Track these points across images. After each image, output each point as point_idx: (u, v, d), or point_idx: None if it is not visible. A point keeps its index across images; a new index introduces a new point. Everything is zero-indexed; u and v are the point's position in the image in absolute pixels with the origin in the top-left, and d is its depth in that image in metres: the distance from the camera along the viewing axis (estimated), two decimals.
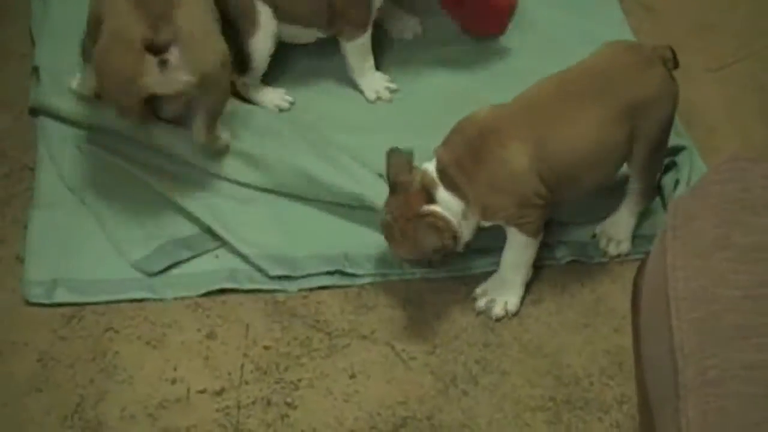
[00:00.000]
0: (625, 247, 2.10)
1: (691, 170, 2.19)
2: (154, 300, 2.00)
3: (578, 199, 2.07)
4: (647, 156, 2.02)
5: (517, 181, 1.90)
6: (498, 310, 2.00)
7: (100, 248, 2.06)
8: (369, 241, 2.09)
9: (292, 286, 2.03)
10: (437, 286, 2.06)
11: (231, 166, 2.18)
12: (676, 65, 2.02)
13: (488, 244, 2.04)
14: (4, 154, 2.20)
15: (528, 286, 2.05)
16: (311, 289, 2.03)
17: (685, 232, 1.46)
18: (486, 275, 2.04)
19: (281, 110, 2.32)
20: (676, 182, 2.17)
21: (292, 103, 2.34)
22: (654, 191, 2.13)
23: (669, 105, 2.01)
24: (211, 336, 1.95)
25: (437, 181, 1.91)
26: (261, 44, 2.25)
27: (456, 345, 1.96)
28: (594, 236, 2.12)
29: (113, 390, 1.86)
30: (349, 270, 2.05)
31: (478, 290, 2.03)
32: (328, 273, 2.04)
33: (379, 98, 2.37)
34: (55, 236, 2.06)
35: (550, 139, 1.92)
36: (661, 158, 2.10)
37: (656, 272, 1.45)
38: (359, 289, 2.04)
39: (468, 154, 1.90)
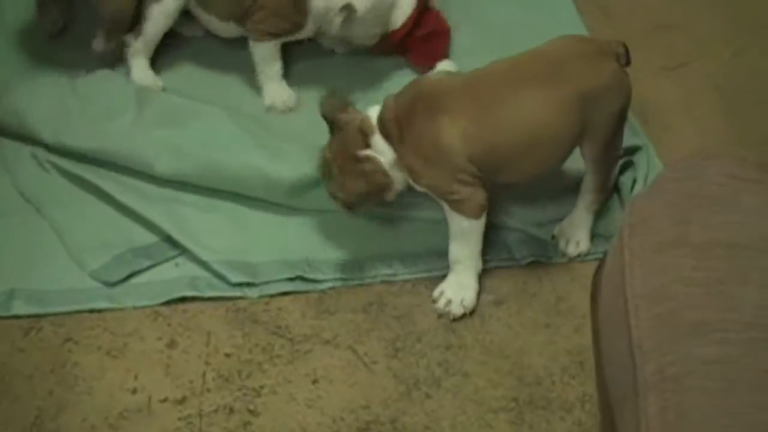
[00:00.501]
0: (584, 246, 2.11)
1: (649, 169, 2.20)
2: (114, 309, 1.99)
3: (524, 182, 2.09)
4: (600, 150, 2.02)
5: (441, 152, 1.91)
6: (456, 309, 2.00)
7: (58, 258, 2.05)
8: (330, 246, 2.10)
9: (253, 293, 2.02)
10: (398, 290, 2.06)
11: (181, 168, 2.15)
12: (627, 62, 2.02)
13: (443, 242, 2.05)
14: None
15: (488, 287, 2.06)
16: (272, 295, 2.03)
17: (643, 230, 1.47)
18: (441, 280, 2.05)
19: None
20: (634, 181, 2.19)
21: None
22: (609, 189, 2.14)
23: (620, 99, 2.00)
24: (171, 345, 1.94)
25: (374, 127, 1.93)
26: (160, 14, 2.28)
27: (418, 348, 1.96)
28: (554, 238, 2.13)
29: (73, 401, 1.84)
30: (311, 275, 2.05)
31: (436, 293, 2.03)
32: (290, 279, 2.04)
33: (272, 107, 2.35)
34: (11, 247, 2.06)
35: (492, 118, 1.93)
36: (616, 155, 2.10)
37: (614, 271, 1.46)
38: (320, 294, 2.04)
39: (407, 112, 1.92)
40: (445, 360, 1.95)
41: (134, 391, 1.87)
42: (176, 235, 2.07)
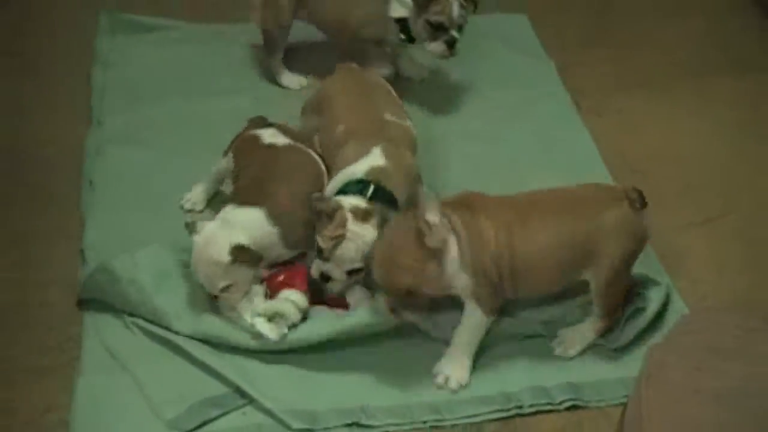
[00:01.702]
0: (571, 352, 2.22)
1: (666, 309, 2.27)
2: None
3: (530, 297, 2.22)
4: (603, 285, 2.13)
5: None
6: (454, 384, 2.12)
7: (139, 410, 2.08)
8: (383, 394, 2.13)
9: None
10: None
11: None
12: (642, 205, 2.12)
13: (486, 390, 2.12)
14: (53, 327, 2.25)
15: (529, 427, 2.08)
16: None
17: (659, 379, 1.51)
18: (486, 424, 2.08)
19: None
20: (636, 311, 2.25)
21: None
22: (614, 318, 2.22)
23: (627, 241, 2.11)
24: None
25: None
26: None
27: None
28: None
29: None
30: (366, 422, 2.08)
31: (435, 370, 2.14)
32: (347, 425, 2.07)
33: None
34: (98, 401, 2.09)
35: (515, 233, 2.07)
36: (620, 291, 2.18)
37: (634, 418, 1.50)
38: None
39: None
40: None
41: None
42: (245, 386, 2.11)
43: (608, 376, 2.16)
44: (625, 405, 1.59)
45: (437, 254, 2.01)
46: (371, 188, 2.23)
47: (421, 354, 2.19)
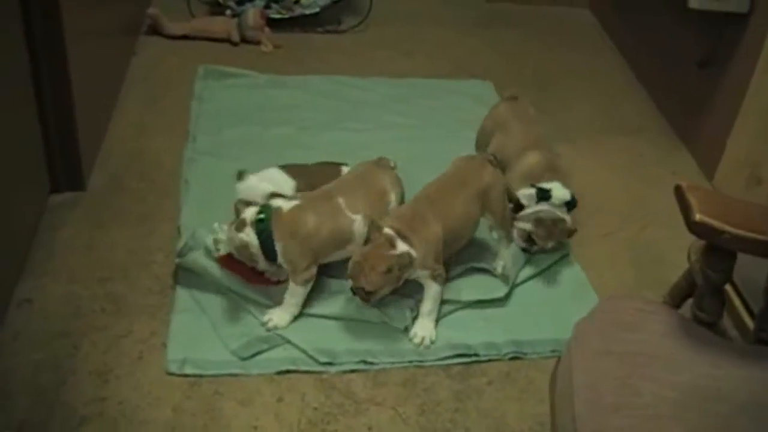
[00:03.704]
0: (501, 269, 2.30)
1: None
2: (245, 375, 2.01)
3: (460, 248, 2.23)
4: (497, 219, 2.25)
5: (435, 242, 2.07)
6: (427, 342, 2.09)
7: (212, 340, 2.08)
8: (383, 342, 2.12)
9: (332, 369, 2.04)
10: (425, 371, 2.07)
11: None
12: (497, 165, 2.28)
13: (454, 343, 2.09)
14: (158, 278, 2.25)
15: (483, 372, 2.07)
16: (345, 372, 2.04)
17: (582, 343, 1.52)
18: (452, 366, 2.07)
19: None
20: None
21: None
22: (509, 238, 2.33)
23: (500, 186, 2.25)
24: (280, 400, 1.96)
25: (396, 237, 2.00)
26: None
27: (437, 410, 1.98)
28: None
29: None
30: (370, 359, 2.07)
31: (411, 334, 2.11)
32: (356, 362, 2.06)
33: None
34: (185, 331, 2.09)
35: (444, 217, 2.10)
36: (507, 220, 2.30)
37: (565, 368, 1.51)
38: (376, 372, 2.05)
39: (409, 224, 2.04)
40: (454, 418, 1.95)
41: (256, 429, 1.88)
42: (284, 331, 2.11)
43: (539, 337, 2.16)
44: (558, 359, 1.59)
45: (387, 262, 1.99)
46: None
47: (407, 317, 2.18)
